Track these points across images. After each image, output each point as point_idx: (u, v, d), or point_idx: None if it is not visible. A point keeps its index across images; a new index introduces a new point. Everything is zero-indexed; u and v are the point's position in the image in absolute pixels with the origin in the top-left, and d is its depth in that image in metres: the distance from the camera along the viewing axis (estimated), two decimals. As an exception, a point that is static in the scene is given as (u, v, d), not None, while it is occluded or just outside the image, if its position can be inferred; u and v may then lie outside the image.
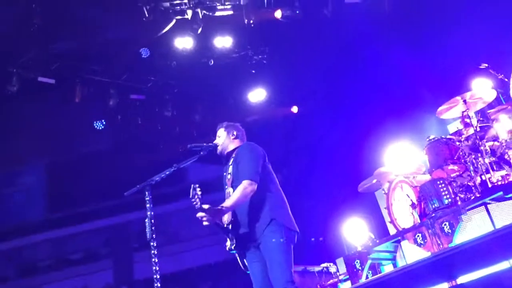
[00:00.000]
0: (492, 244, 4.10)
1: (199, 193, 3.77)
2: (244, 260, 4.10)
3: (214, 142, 4.43)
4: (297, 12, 8.80)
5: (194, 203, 3.73)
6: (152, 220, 4.01)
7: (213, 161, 4.58)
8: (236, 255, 4.09)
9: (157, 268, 3.99)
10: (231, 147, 4.38)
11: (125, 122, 10.22)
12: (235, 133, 4.43)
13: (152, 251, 4.01)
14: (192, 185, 3.78)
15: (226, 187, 4.25)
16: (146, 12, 8.21)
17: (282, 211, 4.10)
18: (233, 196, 3.96)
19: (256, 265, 4.06)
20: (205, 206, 3.74)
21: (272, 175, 4.26)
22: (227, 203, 3.93)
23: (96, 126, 10.02)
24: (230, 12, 8.62)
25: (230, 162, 4.26)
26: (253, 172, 4.02)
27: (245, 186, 3.95)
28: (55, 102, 9.24)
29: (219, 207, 3.83)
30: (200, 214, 3.75)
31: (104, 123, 10.01)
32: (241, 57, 9.75)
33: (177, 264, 18.47)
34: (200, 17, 8.53)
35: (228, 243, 4.05)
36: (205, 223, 3.78)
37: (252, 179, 3.98)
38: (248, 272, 4.12)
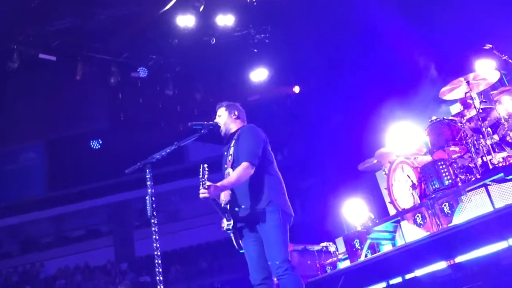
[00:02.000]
0: (490, 224, 4.12)
1: (207, 173, 3.82)
2: (240, 240, 4.13)
3: (214, 121, 4.42)
4: (300, -10, 8.72)
5: (203, 182, 3.78)
6: (153, 198, 4.04)
7: (213, 140, 4.58)
8: (232, 235, 4.12)
9: (158, 245, 4.03)
10: (233, 127, 4.39)
11: (126, 100, 10.20)
12: (236, 113, 4.43)
13: (153, 228, 4.04)
14: (202, 165, 3.84)
15: (225, 166, 4.26)
16: (147, -11, 8.13)
17: (279, 194, 4.13)
18: (231, 176, 4.00)
19: (251, 245, 4.10)
20: (207, 183, 3.79)
21: (272, 158, 4.28)
22: (225, 181, 3.97)
23: (92, 145, 10.11)
24: (233, -10, 8.53)
25: (232, 143, 4.27)
26: (252, 155, 4.05)
27: (244, 168, 3.98)
28: (56, 80, 9.20)
29: (217, 184, 3.87)
30: (202, 191, 3.78)
31: (100, 142, 10.08)
32: (243, 36, 9.68)
33: (177, 241, 18.67)
34: (202, -6, 8.45)
35: (225, 222, 4.07)
36: (203, 196, 3.81)
37: (250, 162, 4.01)
38: (242, 251, 4.15)
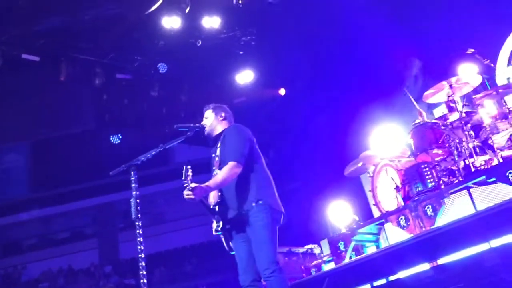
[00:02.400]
0: (473, 226, 4.17)
1: (191, 174, 3.78)
2: (230, 242, 4.12)
3: (201, 123, 4.42)
4: (286, -8, 8.75)
5: (186, 184, 3.75)
6: (138, 200, 4.03)
7: (199, 142, 4.57)
8: (222, 236, 4.10)
9: (142, 248, 4.02)
10: (219, 128, 4.38)
11: (111, 101, 10.13)
12: (223, 114, 4.43)
13: (137, 231, 4.03)
14: (185, 167, 3.81)
15: (214, 168, 4.25)
16: (133, -10, 8.10)
17: (268, 192, 4.11)
18: (218, 176, 3.98)
19: (241, 245, 4.08)
20: (192, 185, 3.77)
21: (260, 157, 4.27)
22: (211, 182, 3.94)
23: (112, 140, 10.07)
24: (219, -8, 8.53)
25: (218, 145, 4.27)
26: (238, 154, 4.03)
27: (230, 167, 3.96)
28: (40, 80, 9.10)
29: (203, 185, 3.85)
30: (186, 192, 3.76)
31: (120, 137, 10.01)
32: (229, 38, 9.67)
33: (161, 244, 18.57)
34: (188, -4, 8.43)
35: (214, 224, 4.07)
36: (188, 197, 3.78)
37: (237, 161, 3.99)
38: (233, 253, 4.13)
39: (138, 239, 4.03)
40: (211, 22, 9.13)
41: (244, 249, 4.06)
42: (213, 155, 4.33)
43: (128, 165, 4.13)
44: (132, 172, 4.12)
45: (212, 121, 4.39)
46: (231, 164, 3.97)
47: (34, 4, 8.05)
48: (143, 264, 4.00)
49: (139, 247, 4.02)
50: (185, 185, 3.76)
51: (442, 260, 4.40)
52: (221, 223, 4.00)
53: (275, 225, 4.01)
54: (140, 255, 4.00)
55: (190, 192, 3.76)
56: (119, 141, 10.15)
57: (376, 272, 4.90)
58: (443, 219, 5.34)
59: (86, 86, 9.63)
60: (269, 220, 3.95)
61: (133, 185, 4.09)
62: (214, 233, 4.10)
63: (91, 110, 10.11)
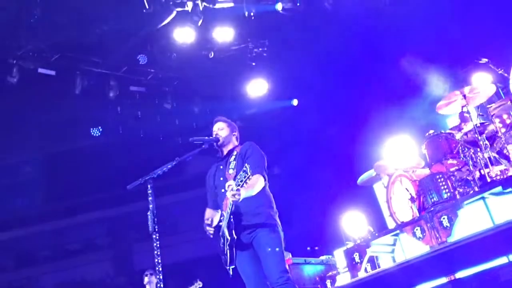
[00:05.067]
0: (491, 239, 4.14)
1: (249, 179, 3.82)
2: (235, 255, 4.11)
3: (215, 133, 4.49)
4: (298, 4, 8.79)
5: (241, 182, 3.77)
6: (155, 212, 4.06)
7: (213, 153, 4.63)
8: (228, 249, 4.09)
9: (159, 260, 4.05)
10: (231, 144, 4.51)
11: (125, 114, 10.22)
12: (236, 133, 4.60)
13: (154, 244, 4.06)
14: (244, 169, 3.79)
15: (221, 179, 4.32)
16: (146, 4, 8.17)
17: (275, 210, 4.27)
18: (250, 184, 3.93)
19: (247, 260, 4.17)
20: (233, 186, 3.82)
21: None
22: (248, 187, 3.92)
23: (92, 133, 10.18)
24: (231, 4, 8.57)
25: (232, 159, 4.35)
26: (263, 170, 4.20)
27: (261, 180, 4.09)
28: (55, 94, 9.21)
29: (245, 188, 3.85)
30: (233, 193, 3.79)
31: (100, 129, 10.13)
32: (241, 50, 9.71)
33: (176, 255, 18.52)
34: (201, 9, 8.48)
35: (227, 233, 4.07)
36: (235, 198, 3.80)
37: (263, 176, 4.14)
38: (228, 267, 4.13)
39: (155, 252, 4.05)
40: (223, 34, 9.17)
41: (250, 263, 4.15)
42: (221, 167, 4.41)
43: (144, 178, 4.17)
44: (148, 186, 4.15)
45: (228, 135, 4.52)
46: (260, 177, 4.09)
47: (48, 19, 8.17)
48: (160, 277, 4.02)
49: (156, 260, 4.05)
50: (240, 182, 3.78)
51: (459, 274, 4.37)
52: (234, 235, 4.04)
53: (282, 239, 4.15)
54: (157, 268, 4.03)
55: (237, 192, 3.79)
56: (99, 134, 10.27)
57: (393, 286, 4.88)
58: (460, 230, 5.30)
59: (101, 99, 9.71)
60: (280, 234, 4.12)
61: (150, 198, 4.11)
62: (226, 246, 4.10)
63: (106, 123, 10.22)
